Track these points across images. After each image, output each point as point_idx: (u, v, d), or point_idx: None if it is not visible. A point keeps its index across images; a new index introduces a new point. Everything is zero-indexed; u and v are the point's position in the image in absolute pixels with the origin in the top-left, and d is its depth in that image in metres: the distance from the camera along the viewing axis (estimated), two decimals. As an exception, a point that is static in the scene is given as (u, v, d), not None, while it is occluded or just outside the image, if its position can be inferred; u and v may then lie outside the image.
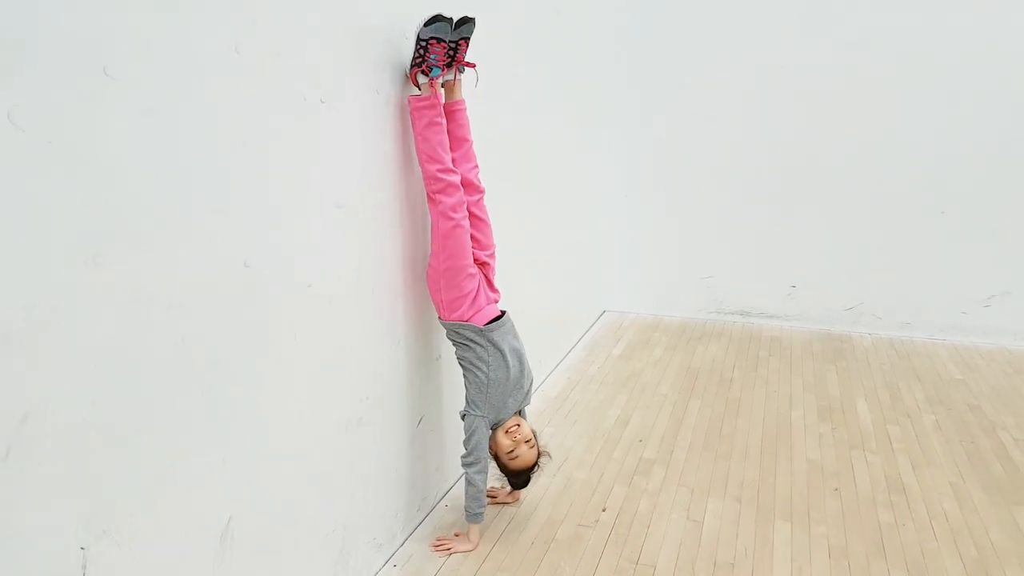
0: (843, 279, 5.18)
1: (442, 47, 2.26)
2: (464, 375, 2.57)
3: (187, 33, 1.46)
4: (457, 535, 2.63)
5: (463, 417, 2.57)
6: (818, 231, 5.14)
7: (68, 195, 1.25)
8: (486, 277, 2.61)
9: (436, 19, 2.22)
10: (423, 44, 2.25)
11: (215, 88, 1.54)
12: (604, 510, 2.85)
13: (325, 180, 1.97)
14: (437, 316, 2.57)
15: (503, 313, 2.60)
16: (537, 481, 3.05)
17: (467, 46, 2.38)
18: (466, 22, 2.33)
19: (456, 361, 2.60)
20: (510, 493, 2.88)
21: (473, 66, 2.42)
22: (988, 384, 4.22)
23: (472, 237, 2.51)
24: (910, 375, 4.36)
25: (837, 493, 3.03)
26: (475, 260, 2.54)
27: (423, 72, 2.27)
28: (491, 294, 2.62)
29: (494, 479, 2.74)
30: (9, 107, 1.13)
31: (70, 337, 1.27)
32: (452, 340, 2.56)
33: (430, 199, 2.41)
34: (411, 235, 2.47)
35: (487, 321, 2.53)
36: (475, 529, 2.60)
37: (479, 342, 2.50)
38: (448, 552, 2.55)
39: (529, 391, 2.67)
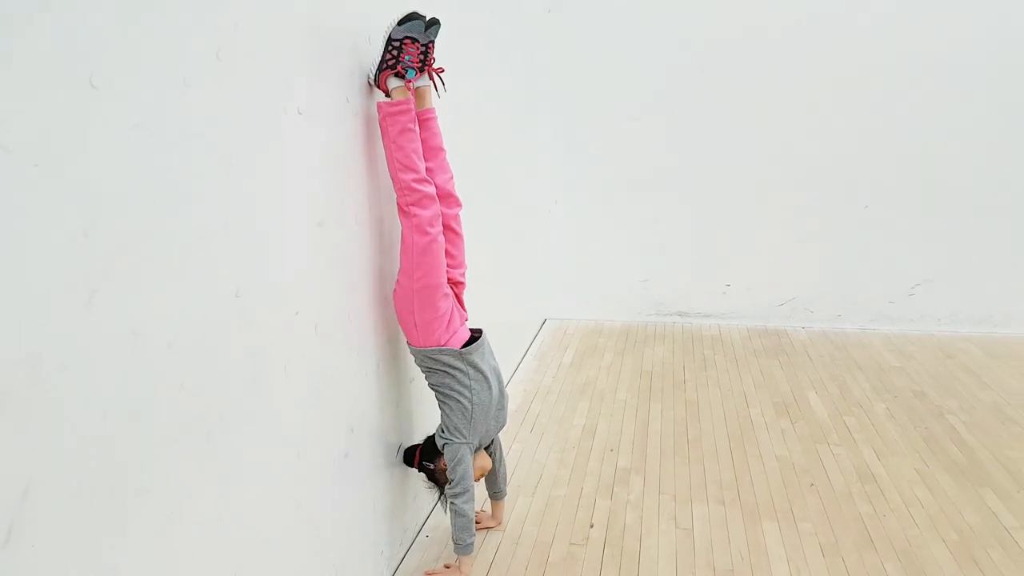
0: (775, 276, 5.29)
1: (416, 47, 2.10)
2: (442, 403, 2.40)
3: (169, 39, 1.27)
4: (447, 567, 2.46)
5: (443, 447, 2.40)
6: (749, 231, 5.22)
7: (61, 224, 1.04)
8: (457, 297, 2.44)
9: (411, 17, 2.07)
10: (396, 45, 2.09)
11: (199, 100, 1.35)
12: (592, 526, 2.75)
13: (306, 197, 1.79)
14: (406, 341, 2.40)
15: (479, 332, 2.46)
16: (517, 502, 2.93)
17: (433, 49, 2.24)
18: (433, 24, 2.18)
19: (427, 385, 2.43)
20: (493, 516, 2.77)
21: (442, 71, 2.28)
22: (925, 370, 4.37)
23: (447, 253, 2.33)
24: (851, 366, 4.47)
25: (814, 488, 3.03)
26: (448, 279, 2.35)
27: (397, 74, 2.10)
28: (463, 313, 2.46)
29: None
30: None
31: (72, 392, 1.06)
32: (426, 367, 2.37)
33: (403, 212, 2.21)
34: (380, 253, 2.29)
35: (463, 343, 2.37)
36: (467, 560, 2.44)
37: (459, 367, 2.34)
38: None
39: (507, 410, 2.55)
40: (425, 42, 2.16)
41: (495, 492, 2.74)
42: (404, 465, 2.52)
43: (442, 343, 2.31)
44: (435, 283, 2.25)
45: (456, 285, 2.44)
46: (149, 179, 1.22)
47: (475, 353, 2.37)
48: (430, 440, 2.50)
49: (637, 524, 2.76)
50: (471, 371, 2.36)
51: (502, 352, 4.18)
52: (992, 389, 4.06)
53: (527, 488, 3.01)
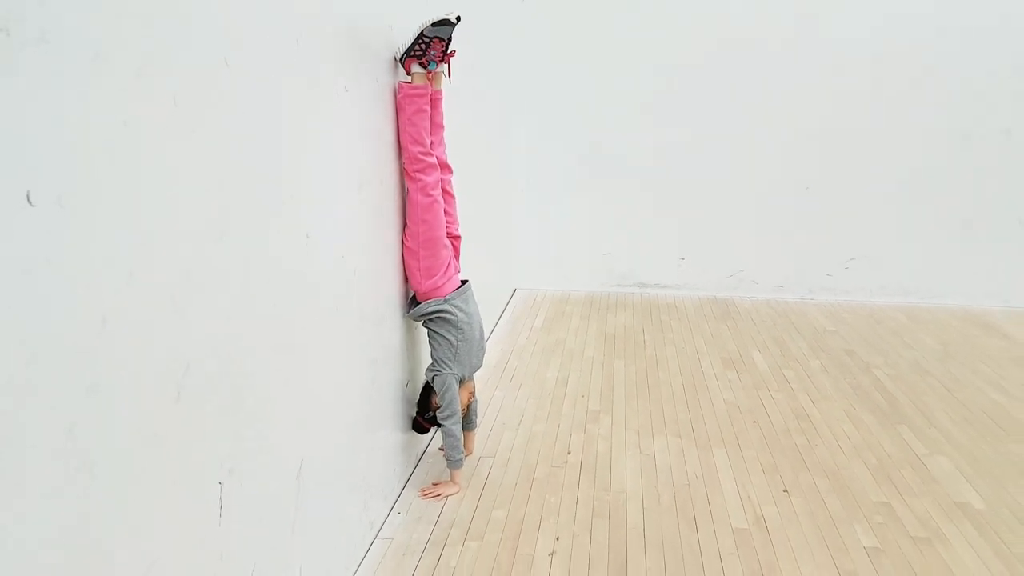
0: (724, 250, 5.78)
1: (442, 45, 2.53)
2: (432, 340, 2.81)
3: (275, 30, 1.62)
4: (437, 483, 2.87)
5: (432, 378, 2.81)
6: (701, 208, 5.70)
7: (212, 168, 1.40)
8: (455, 249, 2.87)
9: (444, 23, 2.48)
10: (426, 40, 2.50)
11: (277, 76, 1.71)
12: (569, 453, 3.17)
13: (351, 162, 2.15)
14: (411, 295, 2.81)
15: (466, 282, 2.89)
16: (503, 436, 3.33)
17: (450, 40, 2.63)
18: (457, 21, 2.57)
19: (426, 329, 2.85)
20: (465, 445, 3.05)
21: (454, 54, 2.65)
22: (856, 333, 4.90)
23: (445, 211, 2.75)
24: (791, 329, 4.98)
25: (756, 425, 3.50)
26: (448, 234, 2.78)
27: (421, 64, 2.50)
28: (457, 265, 2.88)
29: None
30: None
31: (215, 303, 1.42)
32: (426, 321, 2.79)
33: (410, 177, 2.64)
34: (401, 213, 2.68)
35: (454, 288, 2.78)
36: (457, 474, 2.86)
37: (448, 309, 2.74)
38: (439, 497, 2.80)
39: (484, 351, 2.99)
40: (447, 35, 2.55)
41: (467, 424, 3.07)
42: (415, 432, 2.92)
43: (438, 286, 2.72)
44: (436, 236, 2.69)
45: (453, 239, 2.86)
46: (256, 147, 1.58)
47: (460, 297, 2.80)
48: (420, 397, 2.91)
49: (607, 452, 3.19)
50: (458, 312, 2.77)
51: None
52: (914, 349, 4.60)
53: (511, 425, 3.42)
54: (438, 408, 2.82)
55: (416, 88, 2.54)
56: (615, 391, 3.86)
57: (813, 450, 3.26)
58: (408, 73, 2.56)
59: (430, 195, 2.63)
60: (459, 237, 2.90)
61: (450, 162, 2.84)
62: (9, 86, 0.96)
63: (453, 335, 2.77)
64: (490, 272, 5.06)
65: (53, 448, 1.05)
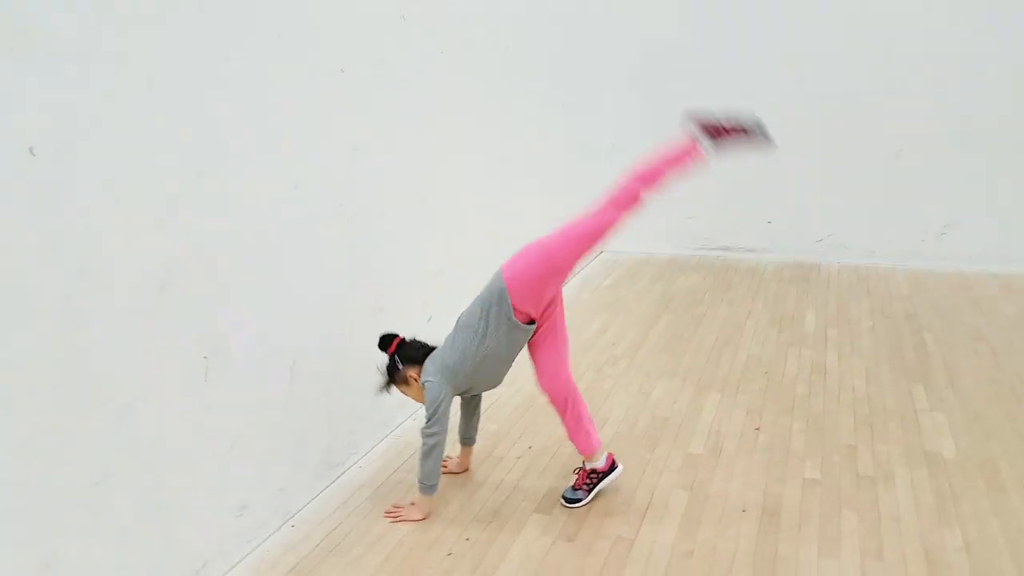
0: (814, 214, 5.82)
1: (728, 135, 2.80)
2: (456, 331, 2.59)
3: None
4: (412, 504, 2.66)
5: (425, 383, 2.54)
6: (792, 172, 5.75)
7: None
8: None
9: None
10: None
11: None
12: (574, 387, 3.63)
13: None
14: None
15: (533, 322, 2.59)
16: (523, 373, 3.82)
17: None
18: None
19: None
20: (460, 462, 2.92)
21: None
22: (930, 299, 4.85)
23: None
24: (862, 293, 5.01)
25: (767, 376, 3.74)
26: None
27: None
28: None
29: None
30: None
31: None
32: (484, 299, 2.53)
33: (620, 208, 2.67)
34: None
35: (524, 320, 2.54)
36: (427, 501, 2.61)
37: (499, 325, 2.49)
38: (399, 521, 2.61)
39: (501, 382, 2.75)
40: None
41: (466, 438, 2.90)
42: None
43: (522, 297, 2.49)
44: (569, 267, 2.60)
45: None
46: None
47: (518, 330, 2.53)
48: (415, 345, 2.67)
49: (610, 389, 3.61)
50: (507, 339, 2.52)
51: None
52: (984, 316, 4.51)
53: (534, 363, 3.91)
54: (407, 380, 2.63)
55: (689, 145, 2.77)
56: (646, 341, 4.22)
57: (809, 400, 3.47)
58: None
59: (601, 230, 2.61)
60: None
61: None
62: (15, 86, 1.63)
63: (476, 346, 2.51)
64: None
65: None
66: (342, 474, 2.94)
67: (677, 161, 2.66)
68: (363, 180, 2.89)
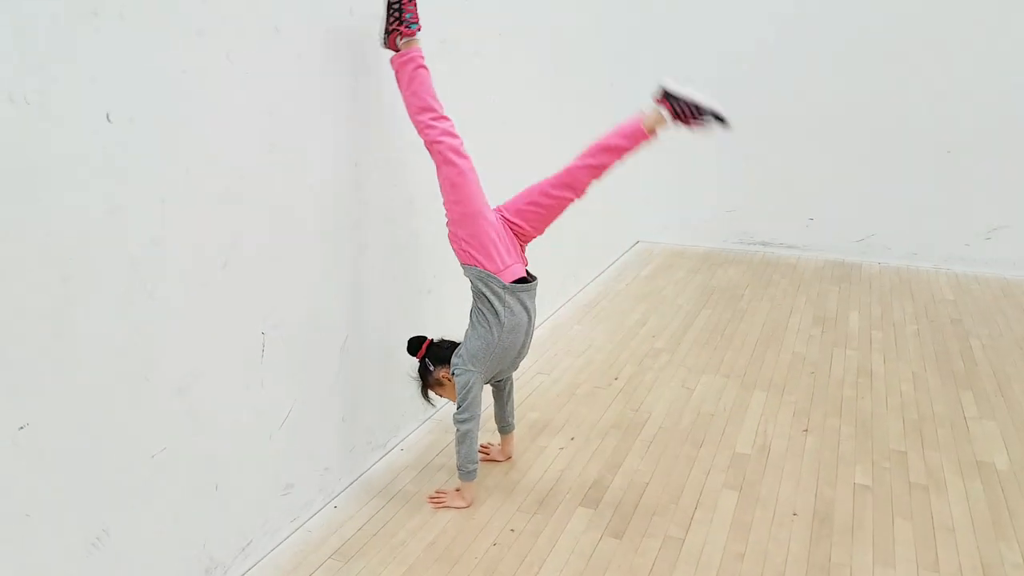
0: (857, 212, 5.71)
1: (414, 4, 2.38)
2: (472, 327, 2.53)
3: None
4: (443, 492, 2.66)
5: (455, 373, 2.52)
6: (834, 168, 5.66)
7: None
8: (515, 235, 2.53)
9: None
10: (397, 6, 2.35)
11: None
12: (616, 378, 3.58)
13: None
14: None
15: (533, 278, 2.54)
16: (563, 360, 3.79)
17: None
18: None
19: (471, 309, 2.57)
20: (502, 450, 2.89)
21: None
22: (976, 304, 4.75)
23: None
24: (906, 296, 4.92)
25: (813, 375, 3.68)
26: (500, 215, 2.52)
27: (403, 33, 2.37)
28: (520, 254, 2.55)
29: (486, 434, 2.91)
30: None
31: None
32: (475, 289, 2.49)
33: (430, 149, 2.43)
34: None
35: (514, 279, 2.47)
36: (469, 487, 2.59)
37: (504, 298, 2.44)
38: (443, 507, 2.60)
39: (524, 357, 2.66)
40: None
41: (503, 426, 2.84)
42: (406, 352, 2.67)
43: (492, 269, 2.42)
44: (474, 210, 2.41)
45: (509, 223, 2.52)
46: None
47: (523, 292, 2.47)
48: (443, 345, 2.63)
49: (652, 382, 3.56)
50: (515, 306, 2.45)
51: (589, 261, 5.01)
52: (1032, 324, 4.42)
53: (575, 352, 3.87)
54: (442, 379, 2.60)
55: (404, 54, 2.36)
56: (687, 335, 4.16)
57: (857, 401, 3.41)
58: (396, 48, 2.41)
59: (455, 163, 2.38)
60: (517, 224, 2.52)
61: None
62: (97, 46, 1.59)
63: (496, 331, 2.45)
64: (612, 221, 5.45)
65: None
66: (384, 455, 2.92)
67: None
68: (420, 166, 2.81)
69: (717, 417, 3.23)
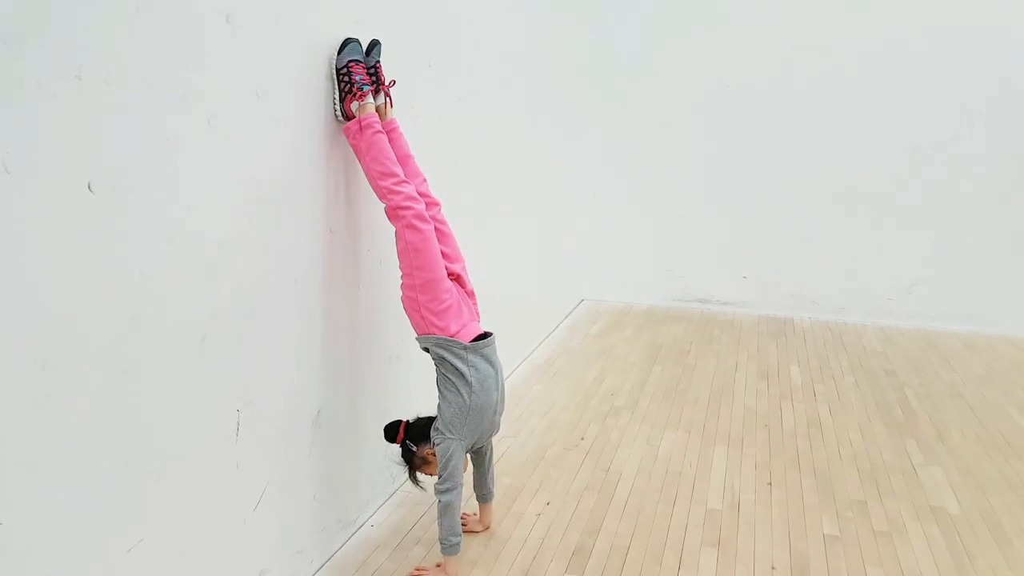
0: (787, 270, 6.00)
1: (362, 67, 2.35)
2: (442, 396, 2.50)
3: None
4: (439, 566, 2.54)
5: (435, 443, 2.48)
6: (767, 228, 5.96)
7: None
8: (464, 291, 2.58)
9: (346, 43, 2.33)
10: (345, 71, 2.32)
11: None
12: (582, 439, 3.61)
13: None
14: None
15: (489, 334, 2.53)
16: (529, 421, 3.80)
17: (382, 68, 2.46)
18: (375, 46, 2.44)
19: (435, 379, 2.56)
20: (480, 520, 2.83)
21: (393, 83, 2.49)
22: (904, 356, 5.03)
23: (444, 254, 2.49)
24: (839, 349, 5.16)
25: (767, 428, 3.80)
26: (449, 274, 2.50)
27: (357, 99, 2.33)
28: (473, 310, 2.59)
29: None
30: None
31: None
32: (437, 356, 2.48)
33: (392, 216, 2.40)
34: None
35: (473, 338, 2.46)
36: (452, 561, 2.50)
37: (467, 359, 2.43)
38: None
39: (501, 416, 2.65)
40: (372, 64, 2.41)
41: (482, 494, 2.79)
42: (385, 439, 2.65)
43: (451, 333, 2.42)
44: (435, 277, 2.41)
45: (458, 280, 2.55)
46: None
47: (484, 349, 2.47)
48: (420, 423, 2.59)
49: (618, 441, 3.60)
50: (480, 363, 2.45)
51: (539, 321, 5.07)
52: (956, 373, 4.69)
53: (539, 413, 3.89)
54: (426, 457, 2.57)
55: (361, 120, 2.32)
56: (644, 392, 4.25)
57: (811, 453, 3.54)
58: (353, 116, 2.36)
59: (419, 229, 2.37)
60: (462, 277, 2.57)
61: (435, 194, 2.59)
62: (79, 115, 1.55)
63: (466, 393, 2.43)
64: (558, 282, 5.55)
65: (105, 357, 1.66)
66: (354, 532, 2.83)
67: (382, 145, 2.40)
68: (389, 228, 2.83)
69: (685, 474, 3.29)
